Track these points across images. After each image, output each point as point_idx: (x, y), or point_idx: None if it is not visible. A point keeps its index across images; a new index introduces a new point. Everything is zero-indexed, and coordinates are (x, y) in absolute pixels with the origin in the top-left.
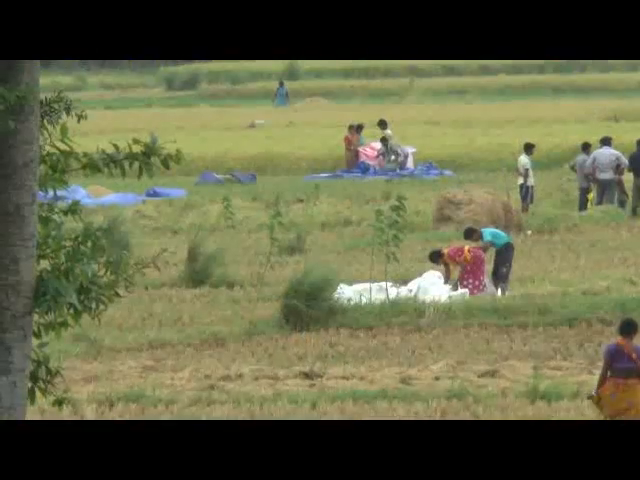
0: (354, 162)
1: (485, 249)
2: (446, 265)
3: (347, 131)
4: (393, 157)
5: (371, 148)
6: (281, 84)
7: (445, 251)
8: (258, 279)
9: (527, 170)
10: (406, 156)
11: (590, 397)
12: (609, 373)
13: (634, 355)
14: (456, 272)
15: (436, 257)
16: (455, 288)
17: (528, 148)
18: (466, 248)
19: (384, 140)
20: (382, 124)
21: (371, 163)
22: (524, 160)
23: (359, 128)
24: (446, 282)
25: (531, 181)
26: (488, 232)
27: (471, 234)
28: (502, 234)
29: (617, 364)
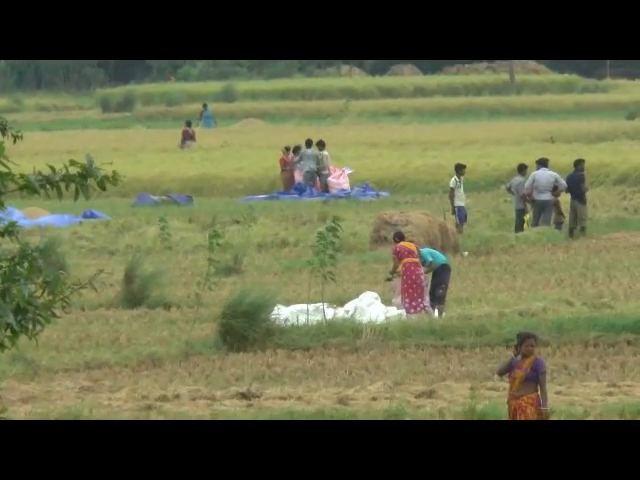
0: (291, 183)
1: (429, 271)
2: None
3: (282, 152)
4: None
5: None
6: (204, 106)
7: (400, 242)
8: (195, 300)
9: (452, 190)
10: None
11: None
12: (521, 386)
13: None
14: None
15: (397, 237)
16: (390, 278)
17: (458, 169)
18: (405, 260)
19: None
20: (320, 144)
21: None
22: (450, 180)
23: (296, 149)
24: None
25: (460, 201)
26: (427, 252)
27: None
28: (439, 254)
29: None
